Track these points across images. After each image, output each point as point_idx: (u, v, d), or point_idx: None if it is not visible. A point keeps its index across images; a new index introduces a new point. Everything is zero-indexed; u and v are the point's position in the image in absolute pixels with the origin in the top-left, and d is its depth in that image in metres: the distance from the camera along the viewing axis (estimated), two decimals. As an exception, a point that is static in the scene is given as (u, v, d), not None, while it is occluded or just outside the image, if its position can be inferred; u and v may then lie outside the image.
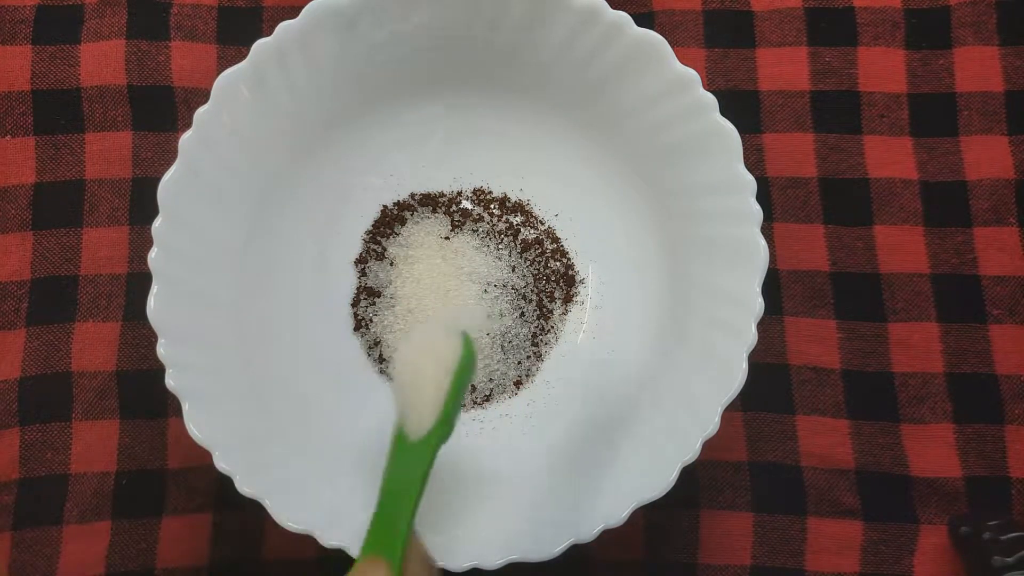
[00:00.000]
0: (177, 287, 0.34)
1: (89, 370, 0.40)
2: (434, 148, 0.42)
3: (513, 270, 0.41)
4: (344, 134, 0.40)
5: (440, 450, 0.29)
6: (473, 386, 0.40)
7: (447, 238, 0.41)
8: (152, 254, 0.34)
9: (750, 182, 0.35)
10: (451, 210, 0.42)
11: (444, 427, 0.29)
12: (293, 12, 0.35)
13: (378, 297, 0.41)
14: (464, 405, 0.40)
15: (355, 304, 0.41)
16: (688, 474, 0.34)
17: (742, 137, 0.35)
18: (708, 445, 0.34)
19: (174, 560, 0.39)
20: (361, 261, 0.41)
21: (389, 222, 0.41)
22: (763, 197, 0.39)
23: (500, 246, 0.41)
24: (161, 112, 0.42)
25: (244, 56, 0.35)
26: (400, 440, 0.29)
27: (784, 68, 0.43)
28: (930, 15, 0.43)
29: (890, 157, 0.42)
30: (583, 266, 0.41)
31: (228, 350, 0.36)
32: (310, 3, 0.35)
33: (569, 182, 0.41)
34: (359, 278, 0.41)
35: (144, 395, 0.40)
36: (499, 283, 0.41)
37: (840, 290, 0.41)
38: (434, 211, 0.42)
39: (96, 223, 0.41)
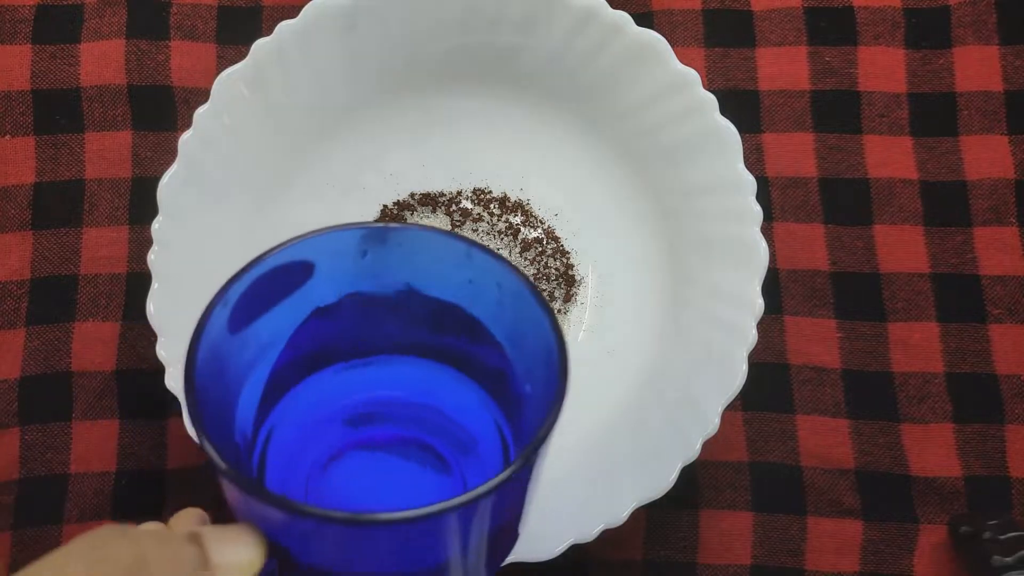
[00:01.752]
0: (177, 287, 0.34)
1: (89, 370, 0.40)
2: (434, 147, 0.42)
3: (513, 270, 0.41)
4: (344, 133, 0.40)
5: None
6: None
7: (447, 238, 0.41)
8: (152, 254, 0.34)
9: (750, 182, 0.35)
10: (451, 210, 0.42)
11: None
12: (293, 12, 0.36)
13: (378, 297, 0.41)
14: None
15: (355, 304, 0.41)
16: (688, 474, 0.34)
17: (742, 137, 0.35)
18: (708, 445, 0.34)
19: (174, 560, 0.39)
20: (361, 261, 0.41)
21: (389, 222, 0.41)
22: (763, 197, 0.39)
23: (500, 246, 0.41)
24: (161, 112, 0.42)
25: (244, 56, 0.35)
26: None
27: (784, 68, 0.43)
28: (930, 15, 0.43)
29: (890, 157, 0.42)
30: (583, 266, 0.41)
31: (228, 350, 0.36)
32: (310, 3, 0.35)
33: (569, 182, 0.41)
34: (359, 278, 0.41)
35: (144, 395, 0.39)
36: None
37: (840, 290, 0.41)
38: (434, 211, 0.42)
39: (96, 223, 0.41)
